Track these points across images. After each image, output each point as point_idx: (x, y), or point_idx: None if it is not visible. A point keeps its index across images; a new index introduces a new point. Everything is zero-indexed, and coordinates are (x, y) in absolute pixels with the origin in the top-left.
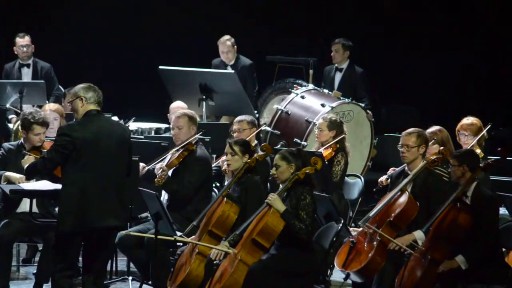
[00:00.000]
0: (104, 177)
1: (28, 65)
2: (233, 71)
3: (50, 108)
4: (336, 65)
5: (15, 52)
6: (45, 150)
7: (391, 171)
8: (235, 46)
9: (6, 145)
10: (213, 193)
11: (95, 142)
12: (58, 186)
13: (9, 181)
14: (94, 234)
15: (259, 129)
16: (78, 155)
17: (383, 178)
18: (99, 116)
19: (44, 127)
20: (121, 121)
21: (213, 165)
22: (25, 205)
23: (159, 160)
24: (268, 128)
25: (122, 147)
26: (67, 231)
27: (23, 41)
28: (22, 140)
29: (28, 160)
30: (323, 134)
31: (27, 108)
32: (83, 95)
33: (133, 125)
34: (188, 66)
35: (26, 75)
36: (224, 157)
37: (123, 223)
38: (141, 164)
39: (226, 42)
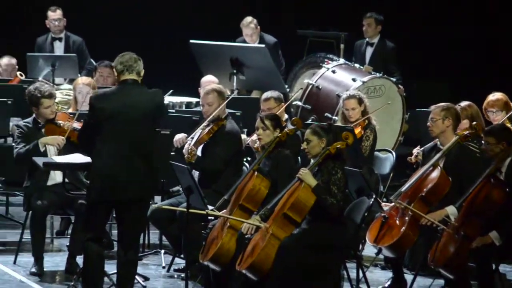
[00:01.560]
0: (129, 148)
1: (60, 39)
2: (263, 45)
3: (82, 81)
4: (367, 39)
5: (47, 26)
6: (60, 122)
7: (416, 150)
8: (258, 27)
9: (20, 123)
10: (244, 168)
11: (121, 113)
12: (89, 159)
13: (47, 144)
14: (120, 205)
15: (288, 103)
16: (104, 126)
17: (412, 157)
18: (131, 86)
19: (52, 98)
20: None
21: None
22: (55, 177)
23: (189, 136)
24: (299, 103)
25: (149, 118)
26: (93, 201)
27: (54, 15)
28: (34, 115)
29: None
30: (356, 112)
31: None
32: (114, 66)
33: (164, 99)
34: (220, 40)
35: (58, 49)
36: (253, 137)
37: (147, 196)
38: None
39: (249, 25)
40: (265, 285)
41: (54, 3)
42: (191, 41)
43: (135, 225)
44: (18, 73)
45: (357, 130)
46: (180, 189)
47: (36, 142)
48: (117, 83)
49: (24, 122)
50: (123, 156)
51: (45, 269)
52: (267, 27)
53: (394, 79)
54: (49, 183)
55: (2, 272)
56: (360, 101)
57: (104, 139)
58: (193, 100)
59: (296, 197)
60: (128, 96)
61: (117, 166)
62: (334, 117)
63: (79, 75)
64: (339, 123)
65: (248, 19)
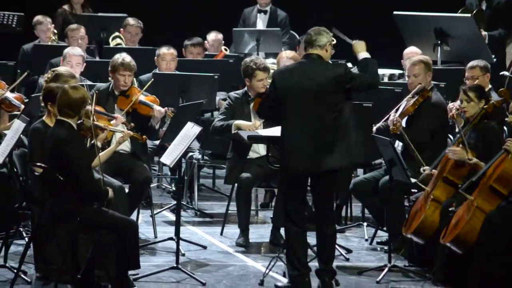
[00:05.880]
0: (310, 121)
1: (265, 12)
2: (469, 15)
3: (286, 55)
4: None
5: None
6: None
7: None
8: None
9: (232, 94)
10: (448, 140)
11: (301, 86)
12: None
13: (239, 129)
14: (312, 178)
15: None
16: (285, 101)
17: None
18: (313, 60)
19: (266, 72)
20: (354, 68)
21: None
22: (259, 150)
23: (394, 109)
24: (507, 73)
25: (330, 90)
26: (286, 175)
27: None
28: (246, 88)
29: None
30: None
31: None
32: (303, 40)
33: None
34: (423, 10)
35: (262, 21)
36: (450, 105)
37: (338, 166)
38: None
39: None
40: (470, 258)
41: None
42: (395, 12)
43: (329, 197)
44: (222, 48)
45: None
46: (383, 161)
47: (231, 123)
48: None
49: (235, 93)
50: (308, 128)
51: (250, 241)
52: None
53: None
54: (253, 156)
55: (210, 243)
56: None
57: (289, 113)
58: (396, 72)
59: (503, 169)
60: (308, 70)
61: (304, 139)
62: None
63: (282, 49)
64: None
65: None
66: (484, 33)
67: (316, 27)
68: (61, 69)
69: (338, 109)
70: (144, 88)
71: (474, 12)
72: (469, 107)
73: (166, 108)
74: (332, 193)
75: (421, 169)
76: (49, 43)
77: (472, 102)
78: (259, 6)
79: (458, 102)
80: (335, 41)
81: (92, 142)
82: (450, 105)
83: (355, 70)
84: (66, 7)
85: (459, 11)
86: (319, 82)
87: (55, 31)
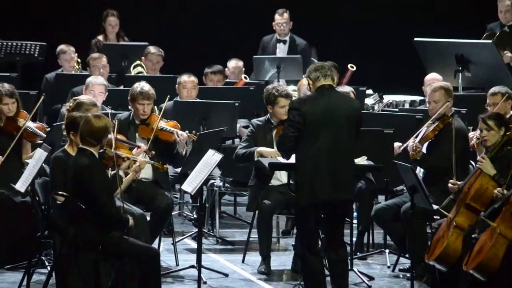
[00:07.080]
0: (334, 151)
1: (284, 41)
2: (490, 41)
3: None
4: None
5: (274, 28)
6: None
7: None
8: None
9: (254, 121)
10: (470, 166)
11: (324, 116)
12: None
13: (262, 156)
14: (328, 207)
15: None
16: (308, 130)
17: None
18: (330, 91)
19: (289, 99)
20: (375, 95)
21: None
22: (280, 177)
23: (414, 135)
24: None
25: (351, 121)
26: (303, 206)
27: (281, 19)
28: (268, 115)
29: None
30: None
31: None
32: (308, 75)
33: (387, 98)
34: (443, 37)
35: (282, 51)
36: (470, 134)
37: (352, 196)
38: (396, 144)
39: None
40: (493, 285)
41: (282, 6)
42: (416, 39)
43: (343, 224)
44: (242, 76)
45: None
46: (404, 188)
47: (253, 150)
48: (312, 91)
49: (258, 120)
50: (327, 159)
51: (272, 268)
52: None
53: None
54: (275, 183)
55: (231, 271)
56: None
57: (309, 142)
58: (417, 98)
59: None
60: (329, 100)
61: (324, 168)
62: None
63: (303, 76)
64: None
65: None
66: (509, 54)
67: (320, 62)
68: (83, 97)
69: (355, 139)
70: (161, 113)
71: (498, 34)
72: (490, 135)
73: (187, 131)
74: (344, 220)
75: (450, 182)
76: (73, 72)
77: (492, 131)
78: (277, 36)
79: (478, 131)
80: (354, 68)
81: (114, 171)
82: (471, 134)
83: (376, 97)
84: (100, 37)
85: (483, 36)
86: (345, 111)
87: (79, 60)
